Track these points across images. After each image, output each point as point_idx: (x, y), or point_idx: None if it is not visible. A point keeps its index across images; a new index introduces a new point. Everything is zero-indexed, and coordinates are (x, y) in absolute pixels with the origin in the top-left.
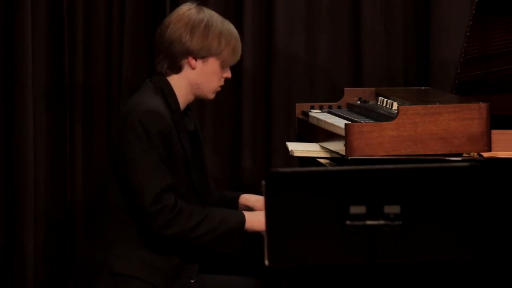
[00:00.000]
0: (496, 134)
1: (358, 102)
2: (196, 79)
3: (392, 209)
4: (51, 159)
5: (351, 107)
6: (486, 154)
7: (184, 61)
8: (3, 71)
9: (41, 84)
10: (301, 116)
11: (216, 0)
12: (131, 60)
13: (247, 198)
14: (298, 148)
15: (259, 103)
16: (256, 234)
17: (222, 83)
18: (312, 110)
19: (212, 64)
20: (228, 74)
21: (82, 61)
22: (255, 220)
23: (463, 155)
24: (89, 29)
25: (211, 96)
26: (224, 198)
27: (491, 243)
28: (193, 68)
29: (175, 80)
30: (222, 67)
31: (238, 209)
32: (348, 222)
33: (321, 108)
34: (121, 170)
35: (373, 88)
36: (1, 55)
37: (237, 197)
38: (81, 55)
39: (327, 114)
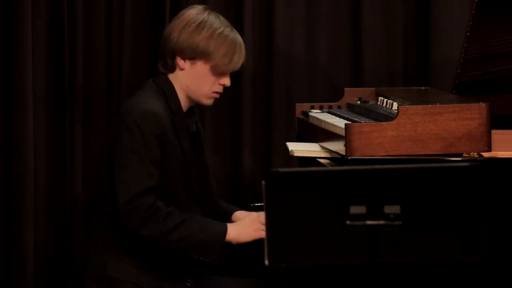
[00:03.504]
0: (496, 134)
1: (358, 102)
2: (185, 81)
3: (392, 209)
4: (51, 159)
5: (351, 107)
6: (486, 154)
7: (174, 61)
8: (3, 72)
9: (41, 85)
10: (301, 116)
11: (216, 0)
12: (131, 60)
13: (238, 217)
14: (298, 148)
15: (259, 103)
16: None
17: (216, 89)
18: (312, 110)
19: (200, 67)
20: (225, 81)
21: (82, 61)
22: (238, 231)
23: (463, 155)
24: (89, 29)
25: (206, 101)
26: (219, 209)
27: (491, 243)
28: (181, 69)
29: (173, 80)
30: (215, 72)
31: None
32: (348, 222)
33: (321, 108)
34: (113, 169)
35: (373, 88)
36: (1, 55)
37: (231, 213)
38: (81, 56)
39: (327, 114)
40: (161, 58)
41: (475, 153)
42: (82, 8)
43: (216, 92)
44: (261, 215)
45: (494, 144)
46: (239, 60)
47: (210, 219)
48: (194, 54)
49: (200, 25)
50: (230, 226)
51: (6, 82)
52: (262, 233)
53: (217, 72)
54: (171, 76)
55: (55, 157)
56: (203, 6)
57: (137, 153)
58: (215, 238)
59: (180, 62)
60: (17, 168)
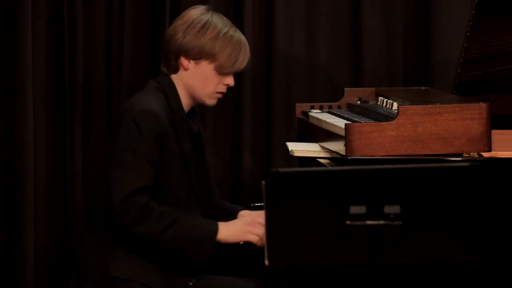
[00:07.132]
0: (496, 134)
1: (358, 102)
2: (189, 81)
3: (392, 209)
4: (51, 159)
5: (351, 107)
6: (486, 154)
7: (178, 61)
8: (3, 72)
9: (41, 85)
10: (301, 116)
11: (216, 0)
12: (131, 60)
13: (244, 216)
14: (298, 148)
15: (259, 103)
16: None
17: (220, 89)
18: (312, 110)
19: (205, 67)
20: (229, 81)
21: (82, 61)
22: (229, 232)
23: (463, 155)
24: (89, 29)
25: (209, 101)
26: (222, 209)
27: (491, 243)
28: (185, 69)
29: (175, 80)
30: (219, 72)
31: None
32: (348, 222)
33: (321, 108)
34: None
35: (373, 88)
36: (1, 55)
37: (236, 212)
38: (81, 56)
39: (327, 114)
40: (163, 58)
41: (475, 153)
42: (82, 8)
43: (220, 92)
44: (258, 216)
45: (494, 144)
46: (243, 60)
47: (202, 218)
48: (199, 55)
49: (205, 26)
50: (221, 226)
51: (6, 82)
52: (251, 237)
53: (222, 72)
54: (174, 77)
55: (55, 157)
56: (206, 6)
57: (133, 151)
58: (205, 237)
59: (184, 62)
60: (17, 168)
